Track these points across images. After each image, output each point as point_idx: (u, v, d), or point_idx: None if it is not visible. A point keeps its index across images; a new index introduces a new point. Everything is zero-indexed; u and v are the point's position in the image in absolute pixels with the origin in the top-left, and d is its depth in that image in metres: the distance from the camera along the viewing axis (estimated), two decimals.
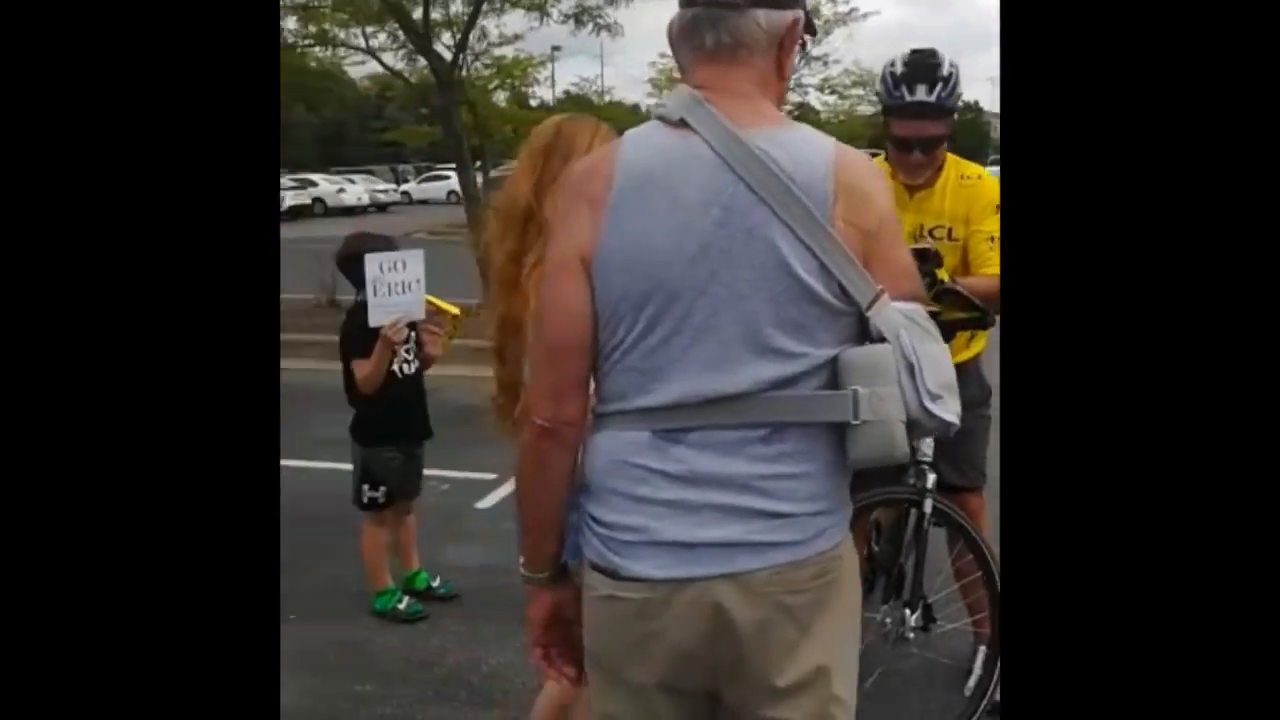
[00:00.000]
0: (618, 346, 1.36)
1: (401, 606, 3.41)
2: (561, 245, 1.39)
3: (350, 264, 3.26)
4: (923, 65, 2.44)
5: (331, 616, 3.46)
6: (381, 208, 31.81)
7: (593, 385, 1.43)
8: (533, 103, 33.90)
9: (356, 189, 31.16)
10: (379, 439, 3.33)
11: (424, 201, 34.77)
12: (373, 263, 3.12)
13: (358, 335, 3.20)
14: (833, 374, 1.34)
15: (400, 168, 40.05)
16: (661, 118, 1.39)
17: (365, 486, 3.33)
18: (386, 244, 3.34)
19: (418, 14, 8.48)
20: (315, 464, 5.19)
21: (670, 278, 1.32)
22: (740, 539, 1.33)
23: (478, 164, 10.46)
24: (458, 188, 35.91)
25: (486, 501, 4.58)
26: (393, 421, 3.33)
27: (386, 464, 3.33)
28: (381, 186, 34.46)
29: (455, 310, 3.53)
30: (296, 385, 6.83)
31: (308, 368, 7.56)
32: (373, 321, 3.12)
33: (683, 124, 1.35)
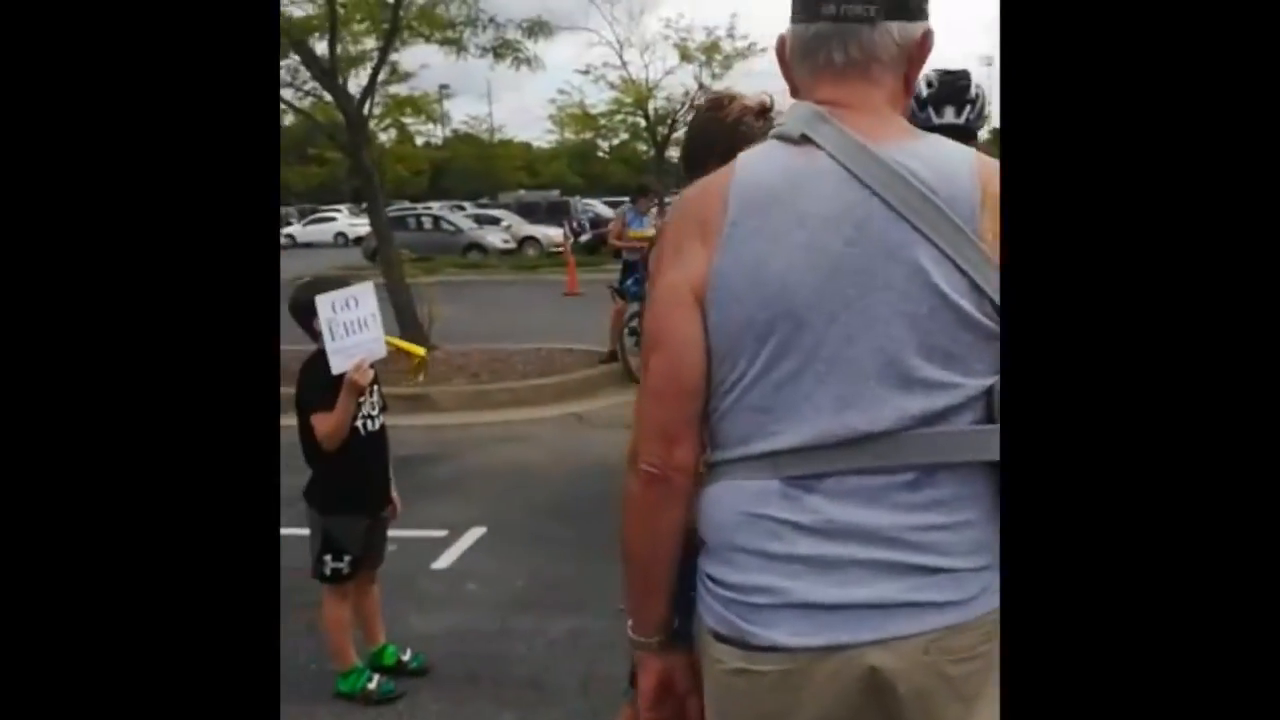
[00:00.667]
0: (737, 383, 1.22)
1: (372, 686, 3.09)
2: (671, 276, 1.25)
3: (302, 311, 2.95)
4: (952, 86, 2.37)
5: (290, 700, 3.11)
6: None
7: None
8: (419, 141, 33.57)
9: None
10: (341, 505, 3.02)
11: (309, 245, 33.78)
12: (324, 304, 2.84)
13: (317, 387, 2.90)
14: (988, 406, 1.20)
15: (283, 210, 38.89)
16: (780, 136, 1.26)
17: (327, 557, 3.00)
18: (340, 284, 3.05)
19: (320, 49, 8.14)
20: None
21: (797, 304, 1.18)
22: (894, 599, 1.19)
23: (365, 205, 10.14)
24: (345, 229, 35.21)
25: (442, 561, 4.28)
26: (356, 484, 3.03)
27: (350, 531, 3.02)
28: None
29: (420, 351, 3.27)
30: None
31: None
32: (335, 368, 2.83)
33: (805, 140, 1.22)
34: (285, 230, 35.31)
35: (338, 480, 2.99)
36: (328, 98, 8.69)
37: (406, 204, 30.80)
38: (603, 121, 23.00)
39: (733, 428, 1.25)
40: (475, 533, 4.60)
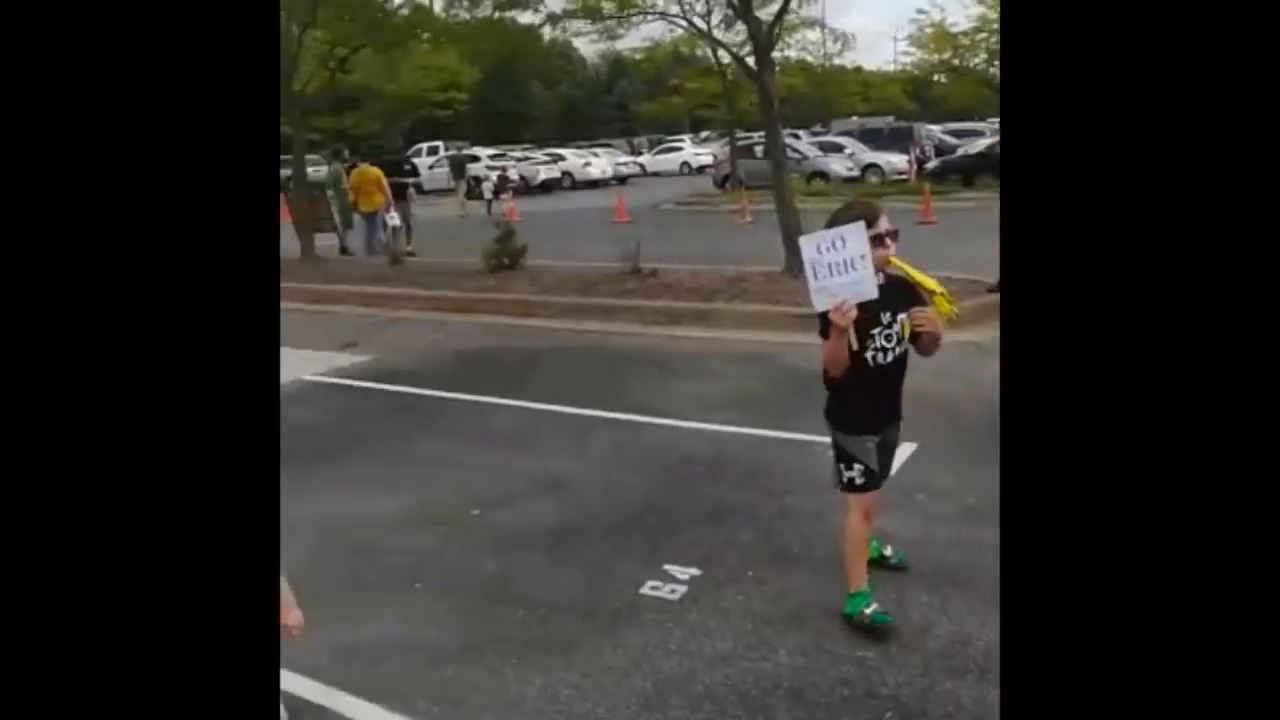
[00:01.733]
0: None
1: (868, 611, 3.25)
2: None
3: None
4: None
5: (789, 577, 3.58)
6: (622, 180, 33.20)
7: None
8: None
9: (601, 162, 32.95)
10: (848, 425, 3.32)
11: (656, 174, 35.52)
12: (808, 245, 3.02)
13: (822, 316, 3.19)
14: None
15: (635, 141, 41.05)
16: None
17: (841, 466, 3.32)
18: (864, 209, 3.19)
19: None
20: (701, 425, 5.40)
21: None
22: None
23: (704, 135, 10.72)
24: (689, 159, 36.45)
25: None
26: (860, 409, 3.29)
27: (859, 447, 3.31)
28: (623, 159, 35.96)
29: (934, 287, 3.30)
30: (627, 348, 7.26)
31: (628, 330, 8.14)
32: (816, 306, 3.06)
33: None
34: (637, 159, 37.37)
35: (843, 403, 3.32)
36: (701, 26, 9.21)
37: (741, 133, 31.48)
38: (964, 41, 21.94)
39: None
40: (908, 448, 4.88)
